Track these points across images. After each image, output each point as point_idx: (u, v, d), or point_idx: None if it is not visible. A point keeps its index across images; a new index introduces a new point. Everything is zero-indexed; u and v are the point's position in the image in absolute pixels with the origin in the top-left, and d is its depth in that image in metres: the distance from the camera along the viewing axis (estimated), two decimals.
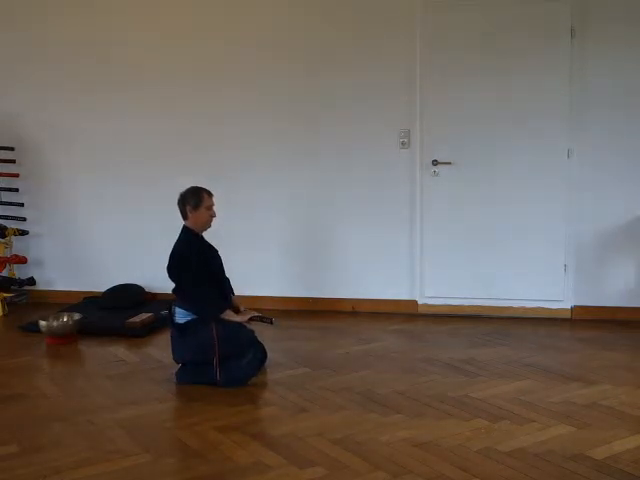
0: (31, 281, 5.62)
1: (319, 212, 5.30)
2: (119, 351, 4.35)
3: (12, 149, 5.64)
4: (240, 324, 3.82)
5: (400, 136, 5.12)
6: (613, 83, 4.83)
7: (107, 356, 4.25)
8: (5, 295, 5.41)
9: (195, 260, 3.79)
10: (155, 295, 5.56)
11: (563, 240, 4.99)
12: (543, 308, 5.05)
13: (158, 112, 5.42)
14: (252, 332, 3.89)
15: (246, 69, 5.27)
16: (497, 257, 5.07)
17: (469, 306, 5.15)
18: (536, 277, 5.02)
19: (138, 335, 4.64)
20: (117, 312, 5.07)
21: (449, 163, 5.07)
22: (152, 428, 3.12)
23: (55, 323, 4.58)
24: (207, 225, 3.93)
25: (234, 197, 5.21)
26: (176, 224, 5.43)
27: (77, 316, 4.67)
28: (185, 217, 3.90)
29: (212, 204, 3.90)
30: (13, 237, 5.58)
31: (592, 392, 3.52)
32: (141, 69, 5.42)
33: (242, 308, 3.97)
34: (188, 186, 3.90)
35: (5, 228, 5.51)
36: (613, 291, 4.98)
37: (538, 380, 3.71)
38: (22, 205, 5.66)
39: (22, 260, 5.62)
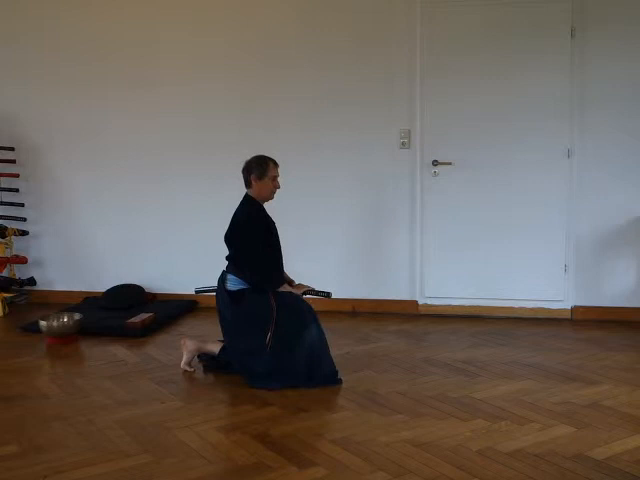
0: (31, 281, 5.62)
1: (318, 212, 5.30)
2: (119, 351, 4.35)
3: (12, 149, 5.64)
4: (297, 295, 3.76)
5: (400, 136, 5.12)
6: (613, 83, 4.83)
7: (107, 356, 4.25)
8: (5, 295, 5.41)
9: (258, 230, 3.75)
10: (155, 295, 5.57)
11: (563, 240, 5.00)
12: (543, 308, 5.05)
13: (158, 112, 5.42)
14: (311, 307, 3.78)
15: (245, 69, 5.27)
16: (497, 257, 5.07)
17: (469, 306, 5.15)
18: (536, 277, 5.02)
19: (138, 335, 4.64)
20: (117, 312, 5.08)
21: (449, 163, 5.07)
22: (152, 428, 3.12)
23: (55, 323, 4.58)
24: (270, 196, 3.87)
25: (234, 197, 5.18)
26: (176, 224, 5.49)
27: (77, 316, 4.67)
28: (248, 186, 3.83)
29: (277, 175, 3.83)
30: (13, 237, 5.58)
31: (592, 392, 3.51)
32: (141, 69, 5.42)
33: (295, 282, 3.94)
34: (254, 155, 3.85)
35: (5, 228, 5.50)
36: (613, 291, 4.98)
37: (538, 380, 3.70)
38: (22, 205, 5.66)
39: (22, 260, 5.62)
